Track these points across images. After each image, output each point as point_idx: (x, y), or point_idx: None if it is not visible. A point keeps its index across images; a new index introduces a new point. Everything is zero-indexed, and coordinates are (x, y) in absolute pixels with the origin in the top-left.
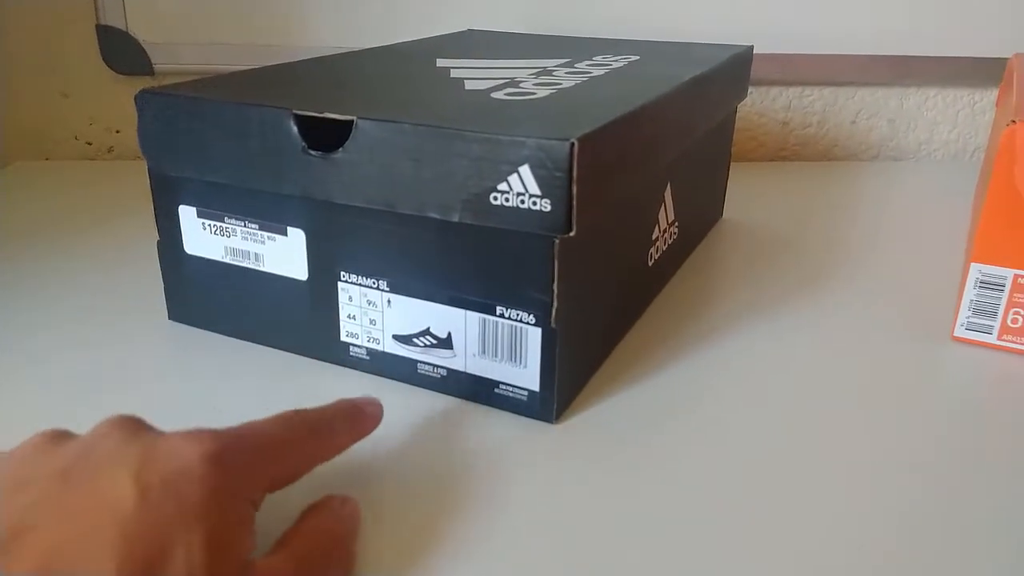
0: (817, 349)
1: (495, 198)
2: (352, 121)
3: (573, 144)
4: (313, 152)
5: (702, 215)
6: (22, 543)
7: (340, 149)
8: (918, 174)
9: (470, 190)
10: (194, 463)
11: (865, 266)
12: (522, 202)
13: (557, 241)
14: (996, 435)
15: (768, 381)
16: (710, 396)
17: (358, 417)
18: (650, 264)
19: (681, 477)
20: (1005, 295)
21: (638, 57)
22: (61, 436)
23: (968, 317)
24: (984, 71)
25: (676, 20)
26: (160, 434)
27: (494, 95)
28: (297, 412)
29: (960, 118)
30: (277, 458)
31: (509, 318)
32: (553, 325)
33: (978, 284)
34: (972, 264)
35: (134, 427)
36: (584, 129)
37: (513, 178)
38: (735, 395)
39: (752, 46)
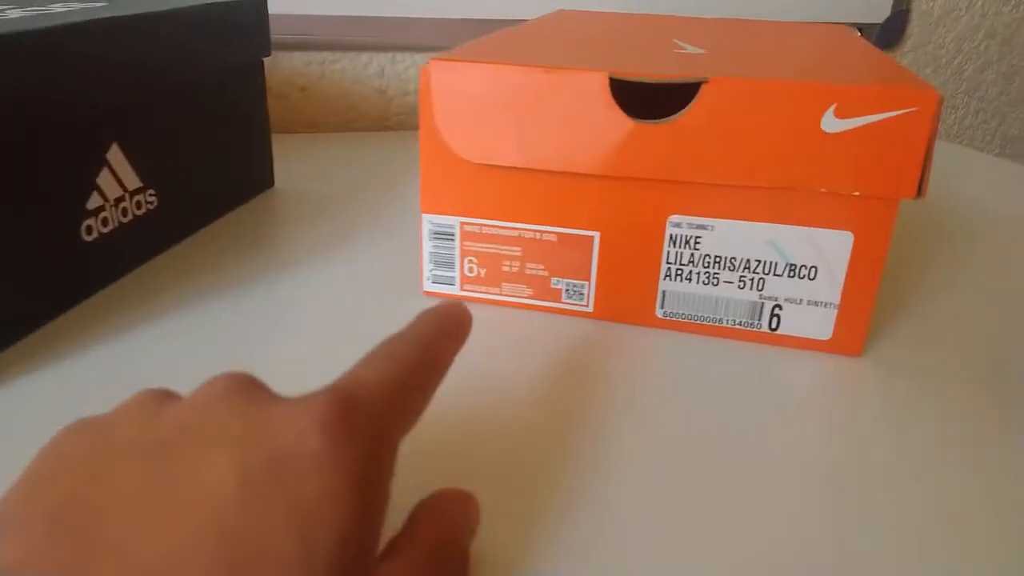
0: (295, 311)
1: None
2: None
3: None
4: None
5: (223, 183)
6: (102, 546)
7: None
8: None
9: None
10: (308, 441)
11: (369, 233)
12: None
13: None
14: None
15: (244, 357)
16: (125, 385)
17: (455, 326)
18: (90, 238)
19: None
20: (457, 244)
21: (106, 3)
22: (162, 399)
23: (432, 270)
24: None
25: None
26: (273, 399)
27: None
28: (396, 342)
29: None
30: (402, 407)
31: None
32: None
33: (432, 236)
34: (423, 215)
35: (245, 391)
36: None
37: None
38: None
39: None
